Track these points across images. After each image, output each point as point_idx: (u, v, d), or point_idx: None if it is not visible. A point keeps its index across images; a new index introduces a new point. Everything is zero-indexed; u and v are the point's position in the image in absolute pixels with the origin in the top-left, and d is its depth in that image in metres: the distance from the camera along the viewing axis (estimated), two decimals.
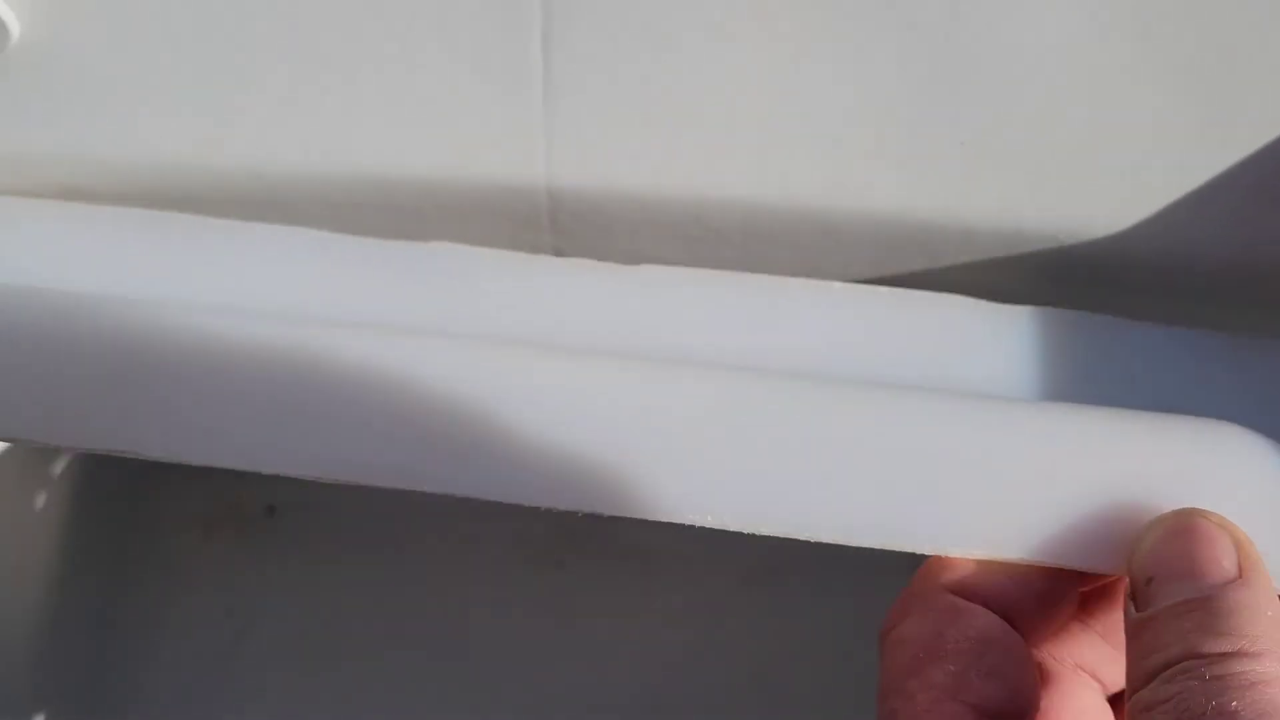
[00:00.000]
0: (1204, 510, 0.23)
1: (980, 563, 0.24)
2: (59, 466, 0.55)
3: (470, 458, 0.24)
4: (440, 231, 0.34)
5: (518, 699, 0.60)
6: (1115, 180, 0.29)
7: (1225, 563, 0.22)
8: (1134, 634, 0.22)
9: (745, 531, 0.25)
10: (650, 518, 0.24)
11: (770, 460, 0.25)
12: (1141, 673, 0.21)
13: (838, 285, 0.30)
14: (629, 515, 0.24)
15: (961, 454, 0.25)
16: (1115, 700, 0.27)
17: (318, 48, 0.28)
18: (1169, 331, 0.29)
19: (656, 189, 0.31)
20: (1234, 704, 0.19)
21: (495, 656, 0.61)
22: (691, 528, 0.26)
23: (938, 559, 0.25)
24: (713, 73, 0.28)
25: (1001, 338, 0.29)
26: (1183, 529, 0.23)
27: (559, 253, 0.35)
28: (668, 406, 0.25)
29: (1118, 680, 0.27)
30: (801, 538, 0.25)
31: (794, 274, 0.33)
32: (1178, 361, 0.29)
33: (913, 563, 0.26)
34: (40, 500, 0.54)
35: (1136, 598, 0.22)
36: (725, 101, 0.29)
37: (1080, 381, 0.28)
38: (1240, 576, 0.22)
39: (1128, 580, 0.23)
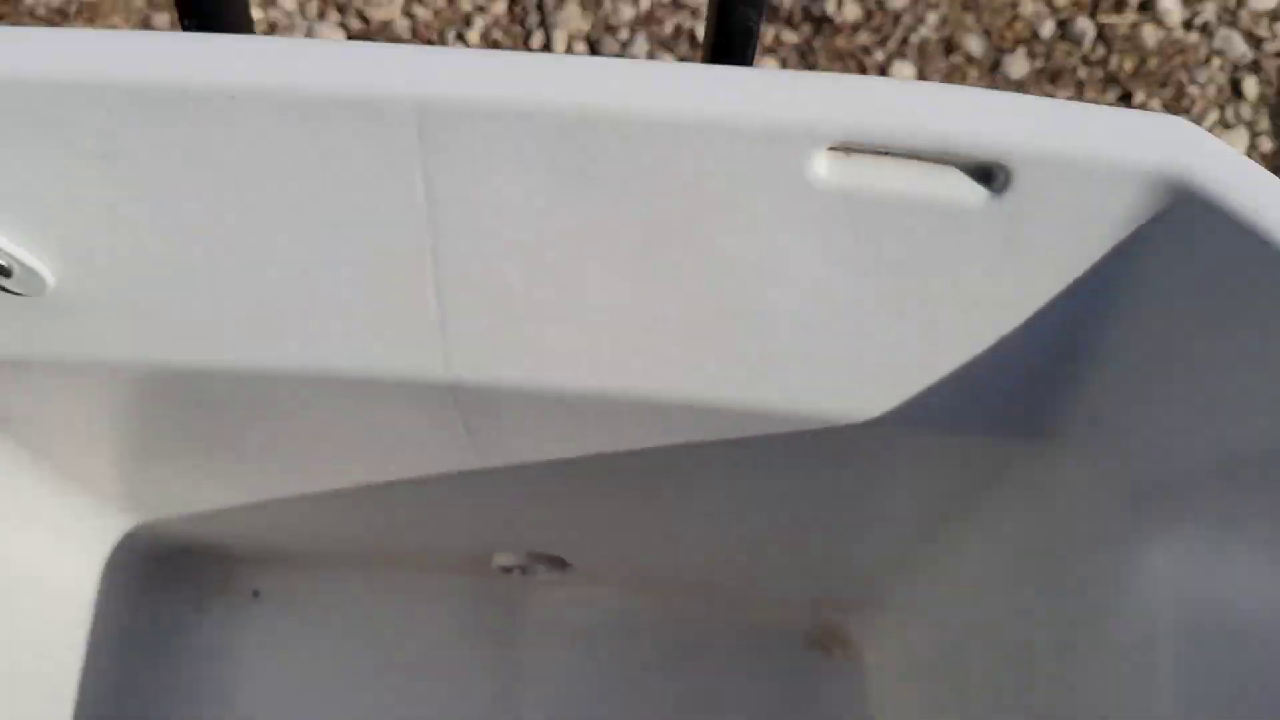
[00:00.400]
0: None
1: None
2: (97, 564, 0.65)
3: None
4: (379, 413, 0.45)
5: None
6: (859, 379, 0.40)
7: None
8: None
9: None
10: None
11: None
12: None
13: None
14: None
15: None
16: None
17: (270, 291, 0.39)
18: None
19: (534, 384, 0.41)
20: None
21: None
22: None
23: None
24: (568, 309, 0.39)
25: None
26: None
27: (469, 428, 0.45)
28: None
29: None
30: None
31: (643, 443, 0.43)
32: None
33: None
34: (74, 583, 0.64)
35: None
36: (576, 325, 0.39)
37: None
38: None
39: None
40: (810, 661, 0.72)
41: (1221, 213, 0.33)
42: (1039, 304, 0.37)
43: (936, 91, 0.34)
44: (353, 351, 0.40)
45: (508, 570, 0.69)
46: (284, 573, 0.72)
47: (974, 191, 0.35)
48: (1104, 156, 0.33)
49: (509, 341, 0.39)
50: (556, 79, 0.33)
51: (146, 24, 0.92)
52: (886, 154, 0.34)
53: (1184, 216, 0.34)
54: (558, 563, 0.69)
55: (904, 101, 0.33)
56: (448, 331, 0.39)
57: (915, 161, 0.34)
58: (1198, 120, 0.90)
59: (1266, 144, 0.89)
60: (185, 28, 0.36)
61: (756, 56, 0.92)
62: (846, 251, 0.36)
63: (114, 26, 0.90)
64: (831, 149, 0.34)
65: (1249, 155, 0.90)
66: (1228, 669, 0.38)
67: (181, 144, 0.34)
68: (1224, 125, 0.90)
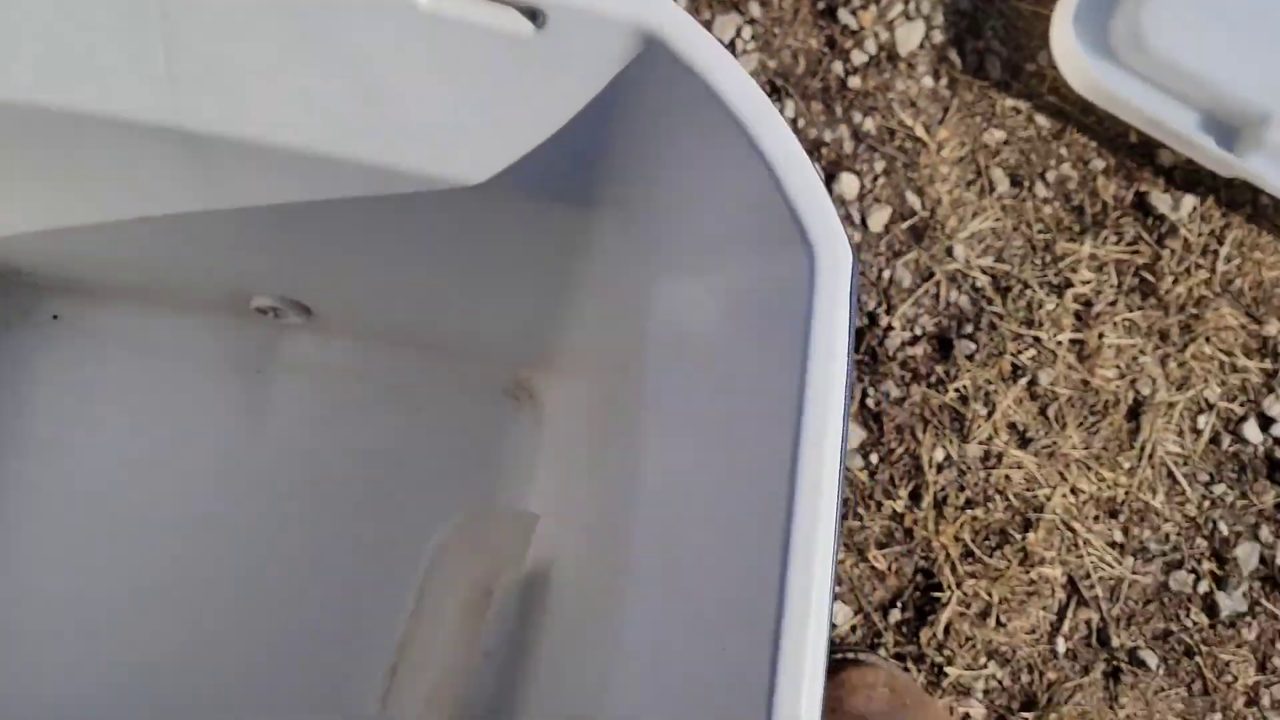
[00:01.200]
0: None
1: None
2: None
3: None
4: (128, 151, 0.61)
5: (216, 477, 0.87)
6: (463, 150, 0.58)
7: None
8: None
9: None
10: None
11: None
12: None
13: None
14: None
15: None
16: None
17: (25, 33, 0.55)
18: None
19: (243, 137, 0.58)
20: None
21: (208, 444, 0.88)
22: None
23: None
24: (262, 78, 0.56)
25: None
26: None
27: (204, 171, 0.62)
28: None
29: None
30: None
31: (328, 195, 0.61)
32: None
33: None
34: None
35: None
36: (269, 92, 0.56)
37: None
38: None
39: None
40: (505, 407, 0.92)
41: (675, 57, 0.52)
42: (578, 106, 0.56)
43: None
44: (100, 95, 0.57)
45: (263, 312, 0.86)
46: (80, 300, 0.89)
47: (524, 25, 0.53)
48: (598, 9, 0.51)
49: (220, 98, 0.57)
50: None
51: None
52: None
53: (654, 57, 0.52)
54: (304, 309, 0.86)
55: None
56: (175, 85, 0.56)
57: (488, 1, 0.52)
58: (886, 9, 1.09)
59: (938, 36, 1.09)
60: None
61: None
62: (444, 56, 0.54)
63: None
64: None
65: (923, 45, 1.09)
66: (686, 364, 0.59)
67: None
68: (906, 17, 1.09)
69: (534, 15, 0.53)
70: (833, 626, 0.99)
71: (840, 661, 0.92)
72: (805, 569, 0.46)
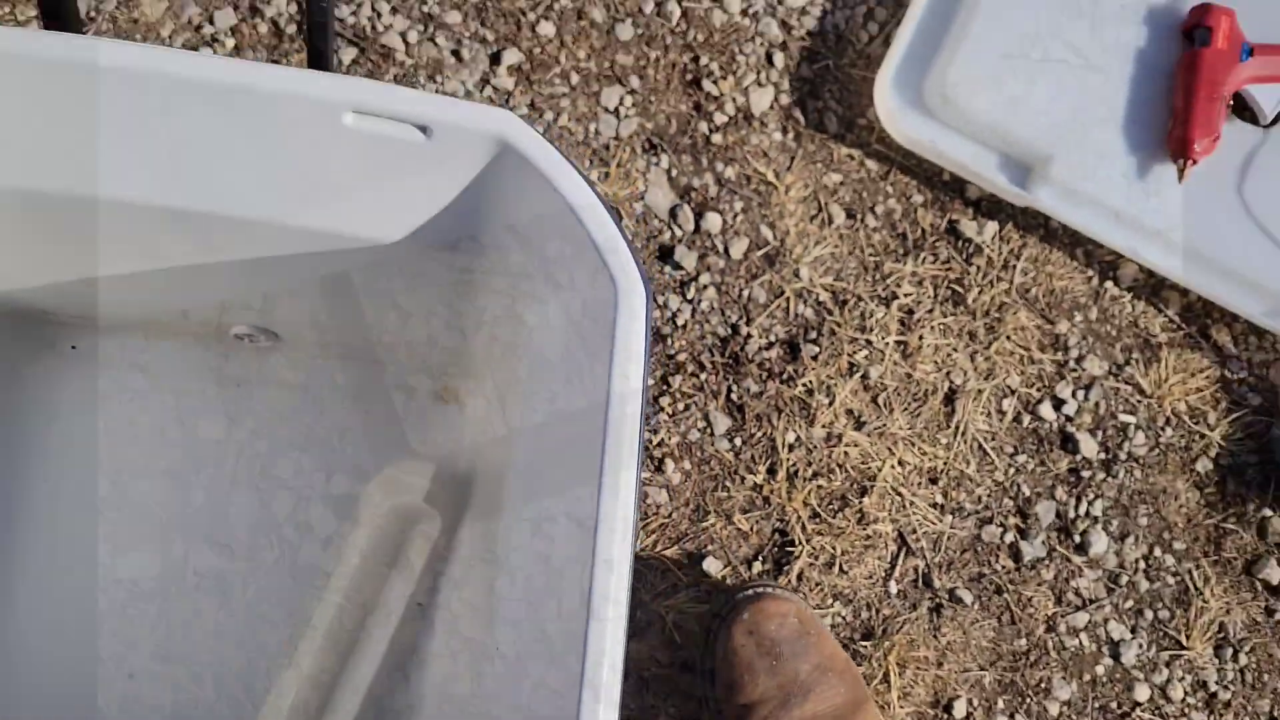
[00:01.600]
0: None
1: None
2: None
3: None
4: (135, 221, 0.85)
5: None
6: (378, 216, 0.82)
7: None
8: None
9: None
10: None
11: None
12: None
13: None
14: None
15: None
16: None
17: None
18: None
19: (220, 211, 0.82)
20: None
21: (198, 443, 1.11)
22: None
23: None
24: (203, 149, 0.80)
25: None
26: None
27: (198, 233, 0.86)
28: None
29: None
30: None
31: (270, 252, 0.85)
32: None
33: None
34: None
35: None
36: (217, 168, 0.81)
37: None
38: None
39: None
40: (436, 408, 1.16)
41: (521, 155, 0.76)
42: (460, 186, 0.80)
43: (397, 89, 0.76)
44: (114, 185, 0.81)
45: (240, 338, 1.10)
46: (93, 333, 1.12)
47: (419, 136, 0.77)
48: (468, 126, 0.76)
49: (205, 186, 0.81)
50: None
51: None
52: (379, 116, 0.77)
53: (509, 155, 0.77)
54: (273, 335, 1.10)
55: (385, 93, 0.75)
56: (175, 176, 0.80)
57: (391, 120, 0.77)
58: (741, 78, 1.34)
59: (785, 99, 1.34)
60: None
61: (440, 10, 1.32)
62: (365, 155, 0.78)
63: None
64: (354, 111, 0.76)
65: (772, 106, 1.35)
66: (545, 362, 0.83)
67: None
68: (759, 84, 1.34)
69: (425, 130, 0.77)
70: (706, 576, 1.24)
71: (760, 593, 1.16)
72: (613, 485, 0.71)
